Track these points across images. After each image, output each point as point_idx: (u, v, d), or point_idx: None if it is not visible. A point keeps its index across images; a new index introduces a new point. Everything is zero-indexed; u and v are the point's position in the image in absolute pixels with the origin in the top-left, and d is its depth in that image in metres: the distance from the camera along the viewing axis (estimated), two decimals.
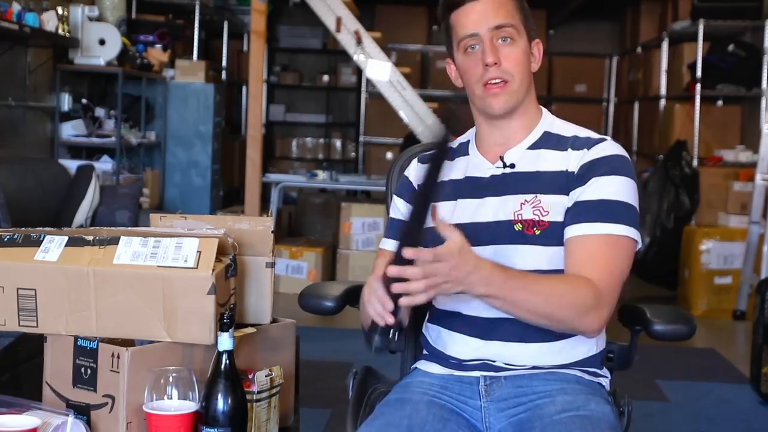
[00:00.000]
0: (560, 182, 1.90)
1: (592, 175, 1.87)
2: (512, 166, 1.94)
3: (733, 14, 6.77)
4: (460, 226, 1.89)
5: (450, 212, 1.95)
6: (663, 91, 7.82)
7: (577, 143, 1.94)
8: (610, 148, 1.92)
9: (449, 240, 1.65)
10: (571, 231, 1.86)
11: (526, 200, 1.90)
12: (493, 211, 1.92)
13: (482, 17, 1.89)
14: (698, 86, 6.86)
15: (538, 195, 1.90)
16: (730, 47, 6.85)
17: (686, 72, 7.31)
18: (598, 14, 10.08)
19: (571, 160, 1.91)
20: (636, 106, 9.04)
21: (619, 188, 1.87)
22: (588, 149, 1.91)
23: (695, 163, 6.73)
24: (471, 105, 2.00)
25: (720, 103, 7.40)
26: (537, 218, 1.88)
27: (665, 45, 7.81)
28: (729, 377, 4.82)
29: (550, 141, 1.96)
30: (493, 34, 1.89)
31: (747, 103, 7.16)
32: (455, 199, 1.97)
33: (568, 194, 1.89)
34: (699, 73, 6.85)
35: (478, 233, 1.89)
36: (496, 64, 1.88)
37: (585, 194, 1.87)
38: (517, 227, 1.89)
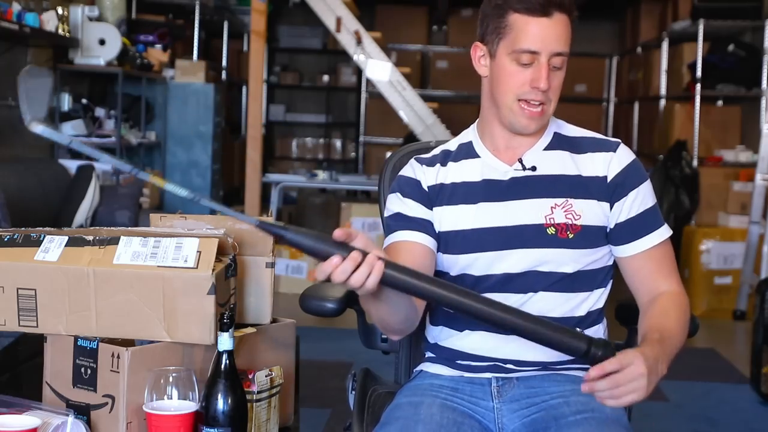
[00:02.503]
0: (591, 187, 1.91)
1: (629, 188, 1.92)
2: (533, 168, 1.93)
3: (733, 14, 6.77)
4: (486, 231, 1.91)
5: (472, 217, 1.93)
6: (663, 91, 7.82)
7: (595, 145, 1.95)
8: (629, 152, 1.96)
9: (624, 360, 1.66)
10: (629, 250, 1.92)
11: (556, 204, 1.90)
12: (520, 215, 1.90)
13: (548, 39, 1.83)
14: (698, 86, 6.85)
15: (569, 199, 1.90)
16: (730, 47, 6.85)
17: (686, 72, 7.31)
18: (598, 14, 10.07)
19: (597, 164, 1.93)
20: (636, 106, 9.04)
21: (648, 192, 1.95)
22: (614, 152, 1.94)
23: (695, 163, 6.73)
24: (490, 106, 1.94)
25: (720, 103, 7.40)
26: (570, 222, 1.89)
27: (665, 45, 7.81)
28: (729, 377, 4.82)
29: (563, 142, 1.96)
30: (551, 59, 1.85)
31: (747, 103, 7.16)
32: (476, 203, 1.94)
33: (598, 198, 1.91)
34: (699, 73, 6.85)
35: (506, 237, 1.89)
36: (547, 90, 1.86)
37: (628, 211, 1.92)
38: (550, 231, 1.89)
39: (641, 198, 1.92)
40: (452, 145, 2.04)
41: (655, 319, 1.84)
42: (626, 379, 1.61)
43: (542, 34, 1.83)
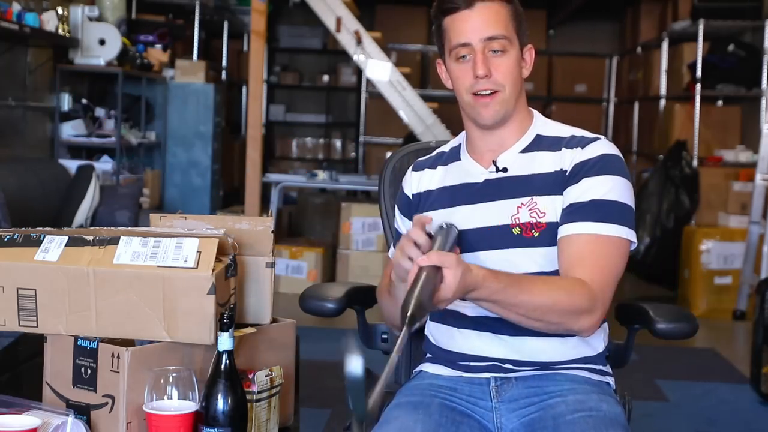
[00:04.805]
0: (554, 182, 1.90)
1: (584, 175, 1.87)
2: (505, 170, 1.94)
3: (733, 14, 6.77)
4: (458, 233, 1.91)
5: (447, 220, 1.94)
6: (663, 91, 7.82)
7: (572, 142, 1.94)
8: (602, 147, 1.91)
9: (448, 275, 1.62)
10: (564, 230, 1.86)
11: (522, 203, 1.90)
12: (489, 216, 1.92)
13: (475, 27, 1.88)
14: (698, 86, 6.85)
15: (533, 197, 1.89)
16: (730, 47, 6.85)
17: (686, 72, 7.32)
18: (598, 14, 10.08)
19: (564, 159, 1.91)
20: (636, 106, 9.04)
21: (612, 187, 1.87)
22: (582, 148, 1.91)
23: (695, 163, 6.73)
24: (461, 110, 2.00)
25: (720, 103, 7.40)
26: (534, 220, 1.88)
27: (665, 45, 7.81)
28: (729, 377, 4.82)
29: (543, 143, 1.96)
30: (485, 44, 1.88)
31: (747, 103, 7.16)
32: (451, 207, 1.97)
33: (562, 194, 1.89)
34: (699, 73, 6.85)
35: (476, 239, 1.90)
36: (486, 76, 1.88)
37: (577, 194, 1.86)
38: (516, 231, 1.89)
39: (598, 188, 1.85)
40: (447, 146, 2.10)
41: (534, 277, 1.79)
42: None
43: (468, 26, 1.89)
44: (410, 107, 6.84)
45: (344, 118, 10.67)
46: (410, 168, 2.11)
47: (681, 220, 6.53)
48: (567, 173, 1.89)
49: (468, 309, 1.93)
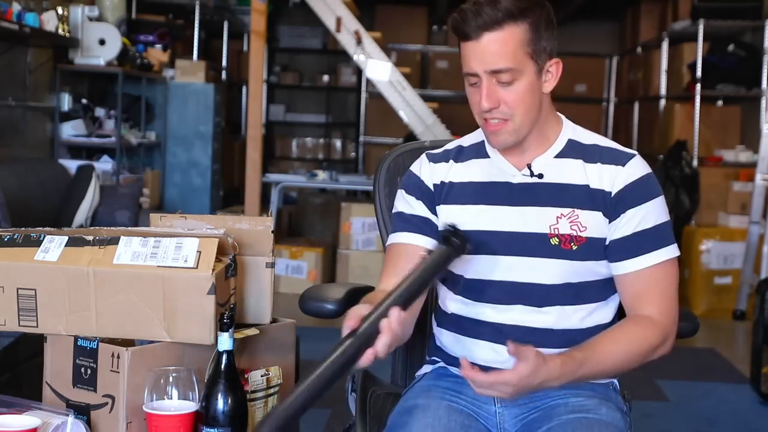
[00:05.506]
0: (597, 199, 1.87)
1: (630, 206, 1.86)
2: (540, 176, 1.90)
3: (733, 14, 6.77)
4: (487, 234, 1.89)
5: (473, 217, 1.91)
6: (663, 91, 7.82)
7: (607, 157, 1.91)
8: (640, 167, 1.90)
9: (520, 364, 1.68)
10: (622, 267, 1.87)
11: (562, 214, 1.87)
12: (525, 222, 1.88)
13: (481, 59, 1.83)
14: (698, 86, 6.85)
15: (575, 210, 1.87)
16: (730, 47, 6.85)
17: (686, 72, 7.32)
18: (598, 14, 10.07)
19: (604, 177, 1.88)
20: (636, 106, 9.04)
21: (654, 211, 1.88)
22: (622, 166, 1.89)
23: (695, 163, 6.73)
24: None
25: (720, 103, 7.40)
26: (575, 233, 1.86)
27: (665, 45, 7.81)
28: (729, 377, 4.82)
29: (575, 150, 1.92)
30: (491, 76, 1.83)
31: (747, 103, 7.16)
32: (479, 204, 1.92)
33: (604, 212, 1.87)
34: (699, 73, 6.85)
35: (508, 243, 1.87)
36: (493, 108, 1.84)
37: (627, 228, 1.86)
38: (554, 241, 1.86)
39: (641, 217, 1.86)
40: (466, 141, 2.03)
41: (603, 338, 1.83)
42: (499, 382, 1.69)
43: (475, 56, 1.84)
44: (410, 107, 6.84)
45: (344, 118, 10.67)
46: (423, 157, 2.02)
47: (681, 220, 6.53)
48: (611, 195, 1.87)
49: (473, 315, 1.92)
